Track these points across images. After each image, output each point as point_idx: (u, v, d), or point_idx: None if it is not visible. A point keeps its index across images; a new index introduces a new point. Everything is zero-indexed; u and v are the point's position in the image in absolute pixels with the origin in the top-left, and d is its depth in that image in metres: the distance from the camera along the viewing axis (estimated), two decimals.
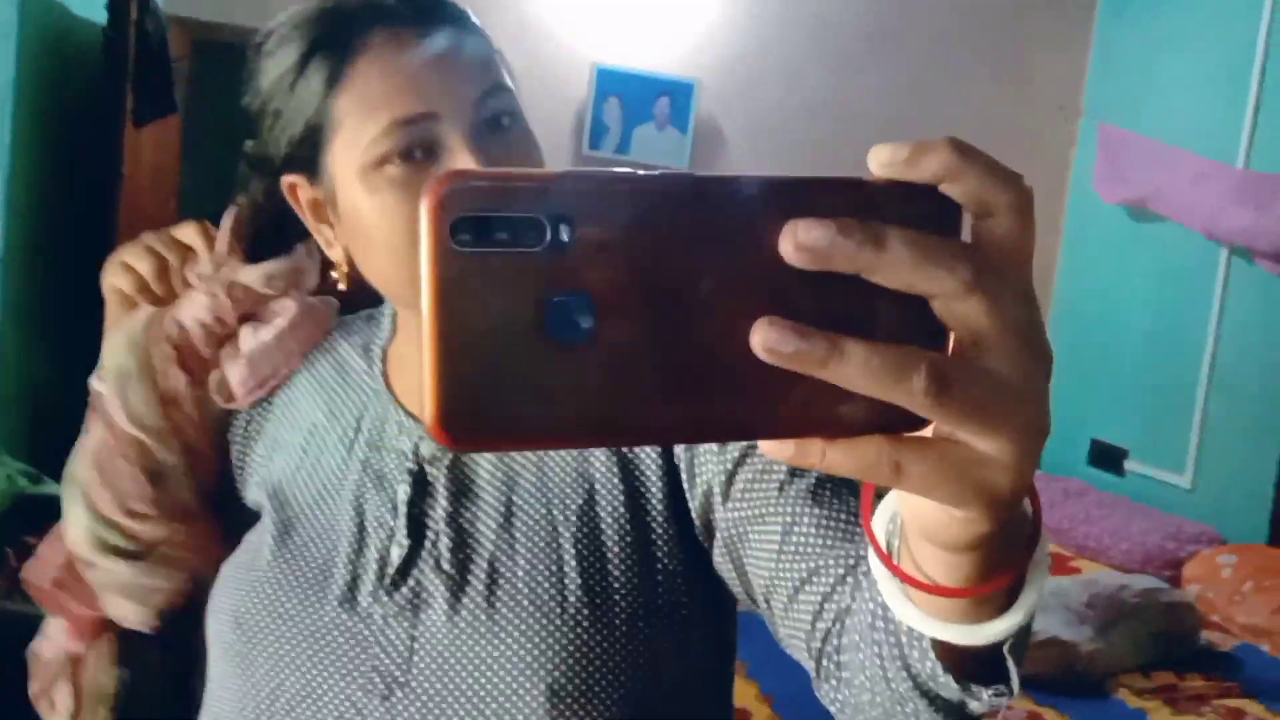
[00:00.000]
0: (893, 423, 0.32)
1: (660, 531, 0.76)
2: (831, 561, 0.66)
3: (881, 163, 0.33)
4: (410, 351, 0.85)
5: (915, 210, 0.32)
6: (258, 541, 0.82)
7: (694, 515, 0.76)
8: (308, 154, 0.76)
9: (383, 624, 0.75)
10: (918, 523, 0.38)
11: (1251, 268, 3.58)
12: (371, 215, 0.73)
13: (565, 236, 0.30)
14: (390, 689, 0.73)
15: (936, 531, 0.37)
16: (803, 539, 0.68)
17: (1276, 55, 3.55)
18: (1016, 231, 0.33)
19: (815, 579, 0.66)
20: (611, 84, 4.17)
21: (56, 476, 2.56)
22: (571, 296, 0.30)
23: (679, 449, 0.77)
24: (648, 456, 0.78)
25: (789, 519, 0.69)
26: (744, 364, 0.31)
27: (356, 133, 0.72)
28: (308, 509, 0.82)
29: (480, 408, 0.30)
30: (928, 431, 0.33)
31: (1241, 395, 3.56)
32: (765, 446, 0.34)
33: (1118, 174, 4.06)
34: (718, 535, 0.75)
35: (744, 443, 0.72)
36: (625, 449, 0.77)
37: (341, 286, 0.81)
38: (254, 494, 0.86)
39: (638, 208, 0.31)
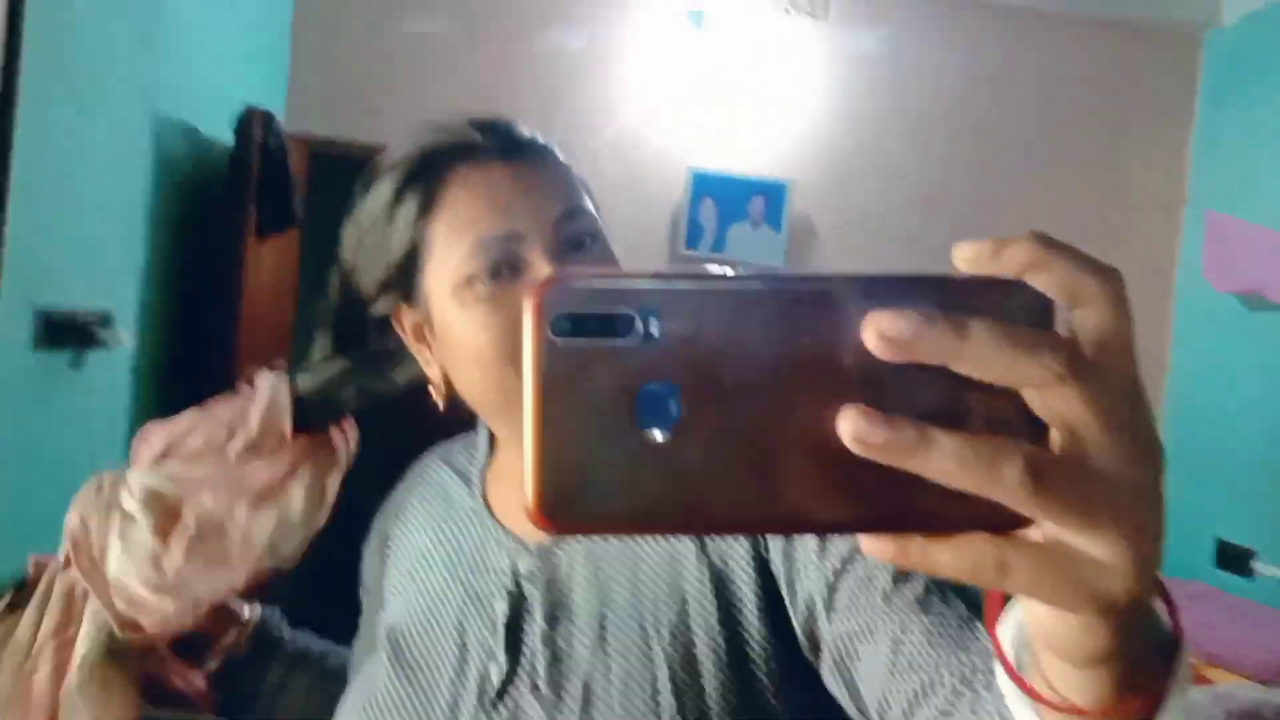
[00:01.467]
0: (997, 520, 0.32)
1: (756, 646, 0.75)
2: (946, 673, 0.64)
3: (966, 259, 0.33)
4: (507, 469, 0.89)
5: (1004, 304, 0.32)
6: (372, 672, 0.85)
7: (798, 629, 0.75)
8: (405, 280, 0.82)
9: None
10: (1039, 631, 0.36)
11: None
12: (463, 331, 0.78)
13: (655, 330, 0.32)
14: None
15: (1058, 642, 0.35)
16: (914, 651, 0.67)
17: None
18: (1111, 320, 0.32)
19: (930, 692, 0.64)
20: (706, 186, 4.25)
21: None
22: (661, 387, 0.32)
23: (776, 560, 0.77)
24: (741, 570, 0.77)
25: (898, 630, 0.68)
26: (835, 456, 0.31)
27: (447, 254, 0.78)
28: (416, 635, 0.85)
29: (577, 493, 0.32)
30: (1037, 535, 0.33)
31: None
32: (865, 544, 0.33)
33: (1228, 262, 3.95)
34: (824, 650, 0.73)
35: (843, 552, 0.72)
36: (719, 561, 0.77)
37: (441, 407, 0.84)
38: (384, 617, 0.89)
39: (723, 303, 0.32)
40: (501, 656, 0.78)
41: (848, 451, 0.31)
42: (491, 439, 0.92)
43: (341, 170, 4.09)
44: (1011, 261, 0.32)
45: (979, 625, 0.67)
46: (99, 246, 2.72)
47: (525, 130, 0.84)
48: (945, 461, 0.30)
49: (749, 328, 0.32)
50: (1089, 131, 4.40)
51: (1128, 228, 4.41)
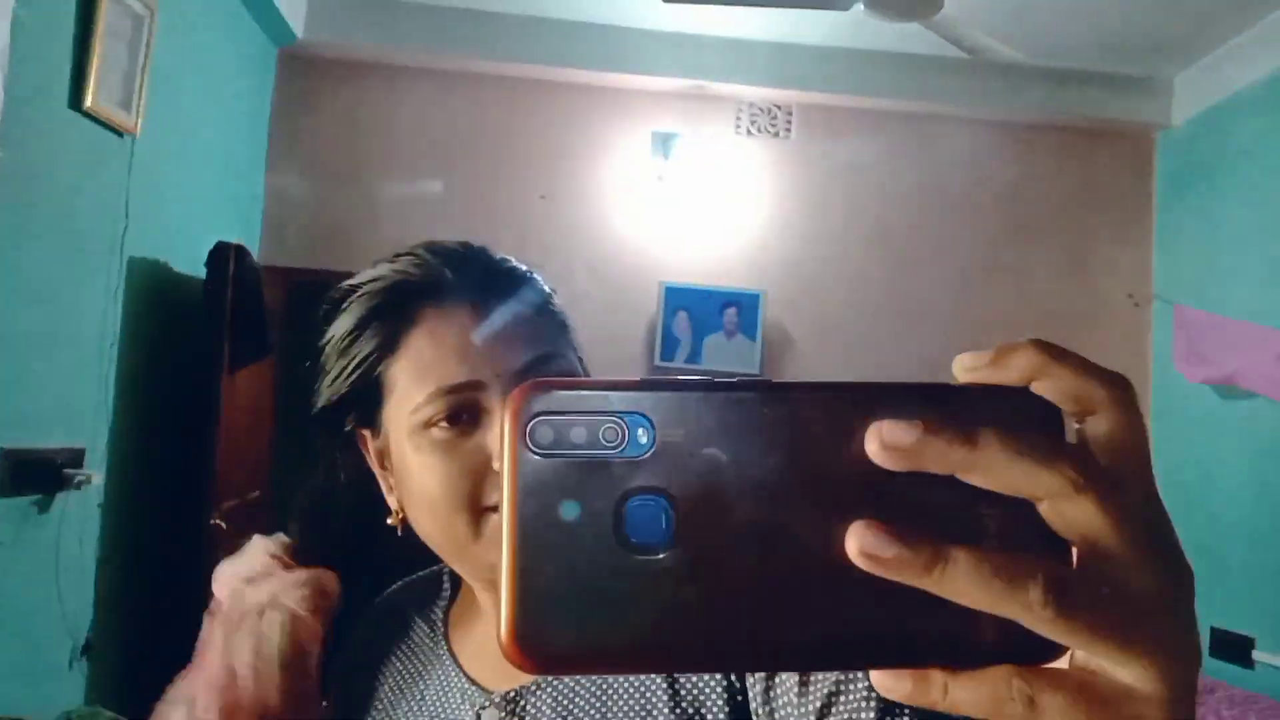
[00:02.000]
0: (1022, 651, 0.29)
1: None
2: None
3: (966, 368, 0.31)
4: (469, 611, 0.86)
5: (1010, 412, 0.30)
6: None
7: None
8: (367, 409, 0.80)
9: None
10: None
11: None
12: (416, 473, 0.76)
13: (644, 440, 0.30)
14: None
15: None
16: None
17: None
18: (1123, 427, 0.30)
19: None
20: (679, 299, 4.30)
21: None
22: (651, 502, 0.29)
23: (755, 703, 0.72)
24: (716, 716, 0.72)
25: None
26: (843, 578, 0.29)
27: (406, 396, 0.76)
28: None
29: (557, 627, 0.29)
30: (1064, 663, 0.30)
31: None
32: (878, 680, 0.30)
33: (1199, 355, 4.00)
34: None
35: (826, 691, 0.66)
36: (691, 708, 0.72)
37: (399, 533, 0.82)
38: None
39: (717, 412, 0.30)
40: None
41: (857, 574, 0.29)
42: (455, 577, 0.90)
43: (317, 297, 4.15)
44: (1015, 370, 0.31)
45: None
46: (69, 385, 2.71)
47: (501, 263, 0.82)
48: (962, 579, 0.28)
49: (745, 437, 0.30)
50: (1051, 233, 4.50)
51: (1097, 324, 4.47)
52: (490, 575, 0.76)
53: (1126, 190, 4.55)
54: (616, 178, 4.33)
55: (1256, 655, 3.71)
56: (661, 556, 0.29)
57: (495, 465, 0.72)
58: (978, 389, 0.31)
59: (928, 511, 0.29)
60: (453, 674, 0.83)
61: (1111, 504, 0.29)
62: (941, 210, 4.46)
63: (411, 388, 0.75)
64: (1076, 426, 0.31)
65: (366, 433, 0.82)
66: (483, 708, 0.79)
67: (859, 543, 0.29)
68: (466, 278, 0.79)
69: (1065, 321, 4.43)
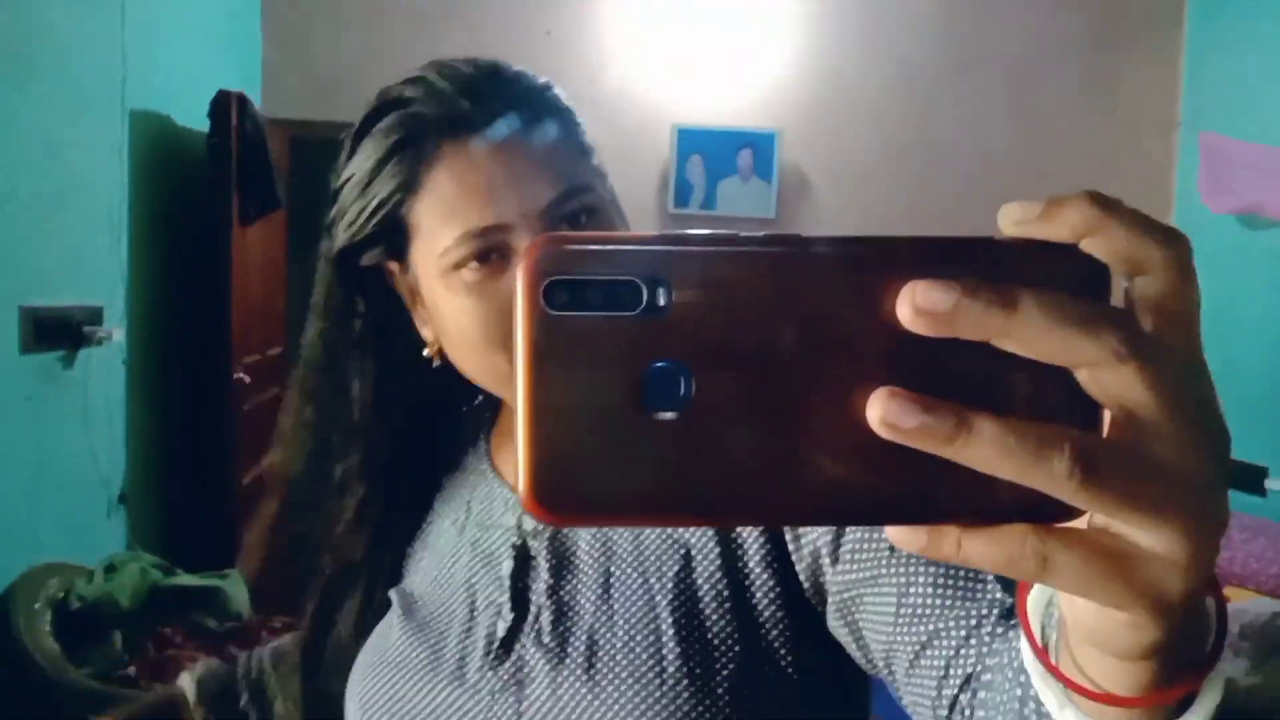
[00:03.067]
0: (1041, 510, 0.29)
1: (761, 596, 0.74)
2: (952, 623, 0.62)
3: (1013, 221, 0.29)
4: (511, 430, 0.87)
5: (1054, 272, 0.28)
6: (385, 629, 0.84)
7: (802, 579, 0.74)
8: (393, 242, 0.78)
9: (490, 699, 0.75)
10: (1078, 624, 0.33)
11: None
12: (451, 314, 0.76)
13: (662, 301, 0.29)
14: None
15: (1101, 637, 0.32)
16: (920, 600, 0.65)
17: None
18: (1175, 290, 0.29)
19: (936, 642, 0.63)
20: (692, 142, 4.21)
21: (186, 567, 2.65)
22: (668, 365, 0.29)
23: None
24: None
25: (904, 580, 0.66)
26: (862, 442, 0.28)
27: (433, 238, 0.75)
28: (426, 594, 0.84)
29: (574, 481, 0.29)
30: (1082, 522, 0.29)
31: None
32: (893, 535, 0.30)
33: (1224, 183, 3.91)
34: (830, 600, 0.72)
35: None
36: None
37: (435, 363, 0.82)
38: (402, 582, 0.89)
39: (739, 270, 0.29)
40: (507, 611, 0.78)
41: (876, 437, 0.28)
42: (497, 402, 0.91)
43: (323, 152, 4.09)
44: (1065, 225, 0.29)
45: (987, 574, 0.64)
46: (82, 244, 2.71)
47: (516, 83, 0.79)
48: (986, 449, 0.27)
49: (767, 297, 0.29)
50: (1076, 60, 4.34)
51: (1121, 153, 4.36)
52: None
53: (1155, 11, 4.36)
54: (626, 12, 4.18)
55: (1269, 484, 3.77)
56: (679, 416, 0.29)
57: None
58: (1022, 244, 0.29)
59: (954, 375, 0.28)
60: (496, 486, 0.86)
61: (1154, 374, 0.27)
62: (962, 42, 4.30)
63: (438, 230, 0.74)
64: (1125, 286, 0.30)
65: (395, 267, 0.81)
66: (523, 512, 0.82)
67: (881, 412, 0.28)
68: (484, 106, 0.76)
69: (1091, 150, 4.33)
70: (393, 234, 0.78)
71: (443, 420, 0.92)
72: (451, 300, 0.75)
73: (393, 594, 0.86)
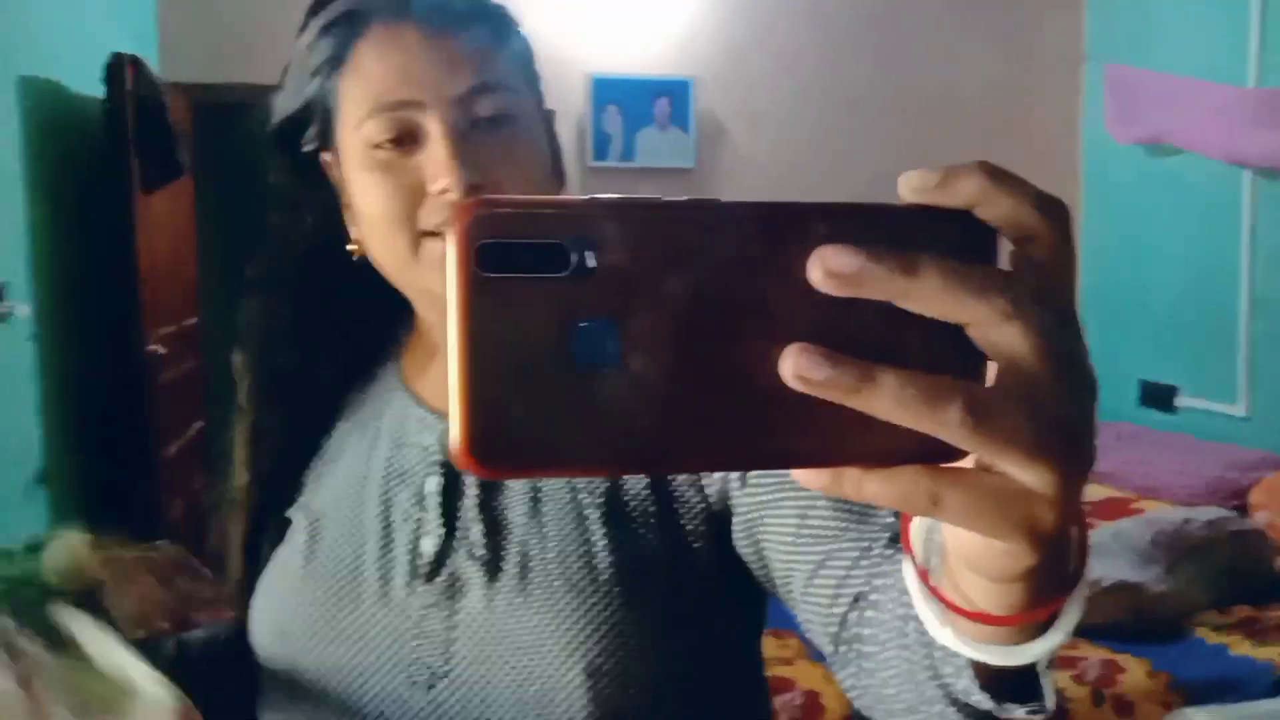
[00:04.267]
0: (931, 453, 0.32)
1: (685, 512, 0.76)
2: (847, 545, 0.66)
3: (912, 189, 0.32)
4: (424, 342, 0.86)
5: (949, 236, 0.31)
6: (289, 554, 0.82)
7: (712, 499, 0.76)
8: (323, 124, 0.79)
9: (420, 616, 0.76)
10: (959, 550, 0.37)
11: (1277, 186, 3.50)
12: (364, 193, 0.77)
13: (591, 263, 0.30)
14: (433, 680, 0.74)
15: (980, 563, 0.36)
16: (818, 523, 0.68)
17: None
18: (1056, 254, 0.32)
19: (830, 563, 0.66)
20: (608, 92, 4.19)
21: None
22: (597, 323, 0.30)
23: None
24: None
25: (804, 503, 0.69)
26: (774, 393, 0.31)
27: (352, 114, 0.76)
28: (333, 513, 0.83)
29: (507, 435, 0.30)
30: (968, 462, 0.32)
31: None
32: (799, 476, 0.33)
33: (1129, 113, 4.00)
34: (735, 518, 0.75)
35: None
36: None
37: (356, 258, 0.81)
38: (301, 501, 0.87)
39: (663, 234, 0.31)
40: (436, 529, 0.78)
41: (787, 388, 0.30)
42: (409, 319, 0.89)
43: (226, 115, 3.99)
44: (960, 193, 0.32)
45: None
46: None
47: None
48: (886, 400, 0.30)
49: (689, 259, 0.31)
50: (987, 2, 4.39)
51: (1029, 89, 4.43)
52: (429, 299, 0.79)
53: None
54: None
55: (1179, 401, 3.90)
56: (606, 371, 0.30)
57: (431, 189, 0.73)
58: (920, 210, 0.32)
59: (859, 331, 0.31)
60: (410, 404, 0.84)
61: (1036, 330, 0.30)
62: None
63: (356, 104, 0.76)
64: (1011, 249, 0.32)
65: (329, 157, 0.81)
66: (443, 432, 0.81)
67: (792, 366, 0.30)
68: None
69: (1000, 89, 4.40)
70: (321, 111, 0.79)
71: (355, 331, 0.90)
72: (364, 178, 0.76)
73: (295, 513, 0.84)
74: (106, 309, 3.18)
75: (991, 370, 0.32)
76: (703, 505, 0.76)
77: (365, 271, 0.81)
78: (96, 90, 3.10)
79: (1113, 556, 2.53)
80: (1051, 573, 0.36)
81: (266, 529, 0.86)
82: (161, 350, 3.23)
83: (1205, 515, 2.68)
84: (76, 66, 3.11)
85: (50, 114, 2.99)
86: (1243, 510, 3.08)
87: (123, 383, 3.15)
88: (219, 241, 4.23)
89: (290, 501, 0.86)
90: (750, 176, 4.28)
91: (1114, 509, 3.12)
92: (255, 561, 0.86)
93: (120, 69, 3.04)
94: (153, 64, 3.39)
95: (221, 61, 3.79)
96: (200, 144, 3.74)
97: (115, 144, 3.04)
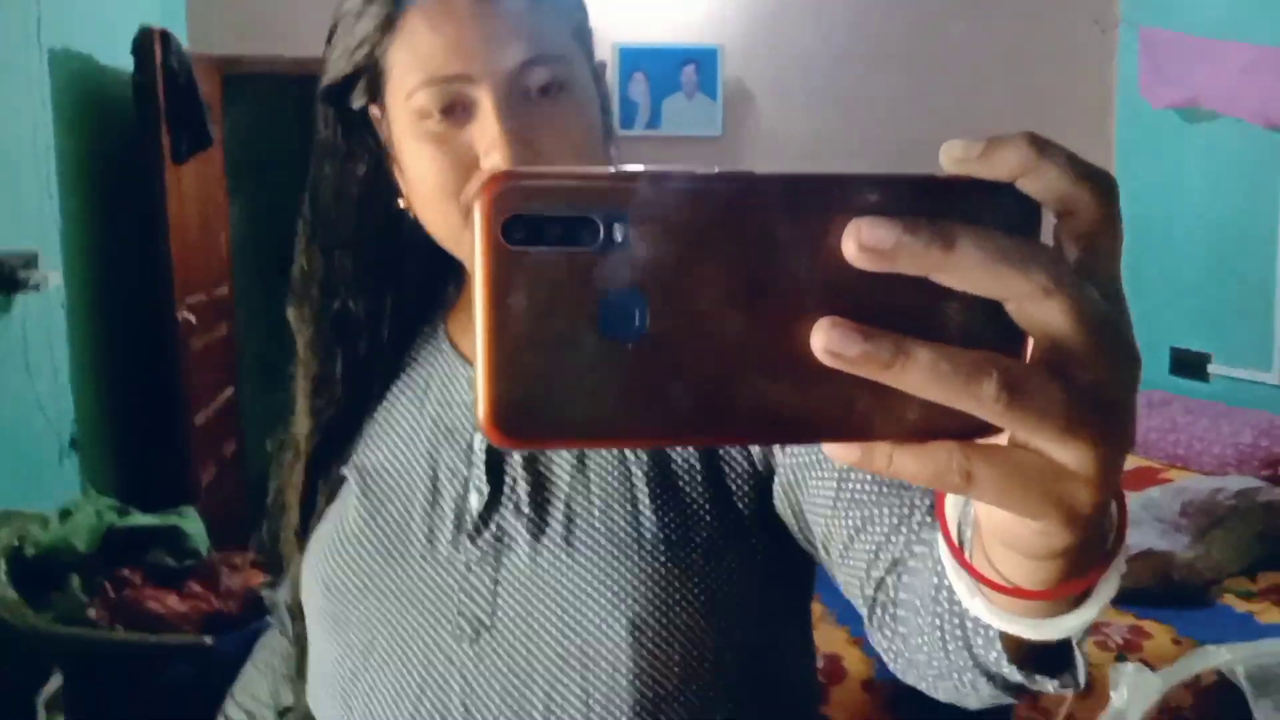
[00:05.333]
0: (965, 429, 0.31)
1: (729, 470, 0.77)
2: (886, 510, 0.66)
3: (954, 159, 0.31)
4: (472, 313, 0.85)
5: (990, 209, 0.30)
6: (341, 509, 0.84)
7: (756, 458, 0.77)
8: (372, 82, 0.78)
9: (466, 571, 0.77)
10: (993, 527, 0.36)
11: None
12: (415, 163, 0.76)
13: (619, 236, 0.30)
14: (478, 632, 0.75)
15: (1013, 540, 0.35)
16: (858, 487, 0.68)
17: None
18: (1101, 229, 0.31)
19: (869, 527, 0.66)
20: (635, 61, 4.16)
21: (140, 508, 2.64)
22: (625, 296, 0.30)
23: None
24: None
25: (845, 466, 0.68)
26: (804, 367, 0.30)
27: (402, 83, 0.75)
28: (384, 470, 0.84)
29: (533, 406, 0.30)
30: (1003, 439, 0.32)
31: None
32: (829, 450, 0.32)
33: (1163, 77, 3.93)
34: (777, 479, 0.75)
35: None
36: None
37: (411, 216, 0.81)
38: (353, 459, 0.87)
39: (691, 206, 0.30)
40: (483, 484, 0.78)
41: (818, 361, 0.30)
42: (458, 280, 0.90)
43: (254, 88, 4.01)
44: (1003, 165, 0.31)
45: None
46: (9, 189, 2.65)
47: None
48: (920, 376, 0.29)
49: (719, 232, 0.30)
50: None
51: (1062, 52, 4.36)
52: None
53: None
54: None
55: (1211, 369, 3.85)
56: (633, 343, 0.30)
57: (483, 163, 0.73)
58: (960, 181, 0.31)
59: (893, 304, 0.30)
60: (458, 364, 0.85)
61: (1077, 307, 0.29)
62: None
63: (406, 74, 0.74)
64: (1055, 223, 0.32)
65: (378, 113, 0.81)
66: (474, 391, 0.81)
67: (824, 341, 0.29)
68: None
69: (1033, 52, 4.32)
70: (371, 74, 0.78)
71: (408, 284, 0.89)
72: (415, 148, 0.75)
73: (348, 470, 0.85)
74: (137, 278, 3.22)
75: (1031, 347, 0.31)
76: (748, 466, 0.77)
77: (414, 228, 0.81)
78: (126, 63, 3.12)
79: (1141, 525, 2.52)
80: (1087, 549, 0.35)
81: (324, 482, 0.87)
82: (192, 318, 3.27)
83: (1235, 485, 2.66)
84: (106, 40, 3.14)
85: (81, 87, 3.02)
86: (1275, 480, 3.05)
87: (154, 351, 3.20)
88: (249, 211, 4.29)
89: (346, 456, 0.87)
90: (777, 145, 4.25)
91: (1143, 478, 3.10)
92: (310, 515, 0.87)
93: (149, 42, 3.05)
94: (181, 37, 3.41)
95: (249, 34, 3.81)
96: (229, 115, 3.76)
97: (145, 116, 3.07)
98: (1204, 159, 3.88)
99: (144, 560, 2.48)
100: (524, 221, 0.30)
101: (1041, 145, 0.30)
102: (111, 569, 2.43)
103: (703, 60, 4.20)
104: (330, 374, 0.86)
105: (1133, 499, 2.69)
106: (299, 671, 0.88)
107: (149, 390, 3.23)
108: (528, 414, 0.30)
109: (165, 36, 3.11)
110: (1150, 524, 2.53)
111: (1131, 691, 1.13)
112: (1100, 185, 0.31)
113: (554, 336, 0.30)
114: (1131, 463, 3.26)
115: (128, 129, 3.17)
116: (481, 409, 0.30)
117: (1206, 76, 3.70)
